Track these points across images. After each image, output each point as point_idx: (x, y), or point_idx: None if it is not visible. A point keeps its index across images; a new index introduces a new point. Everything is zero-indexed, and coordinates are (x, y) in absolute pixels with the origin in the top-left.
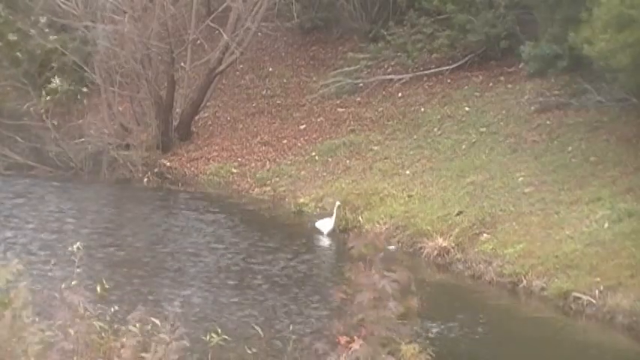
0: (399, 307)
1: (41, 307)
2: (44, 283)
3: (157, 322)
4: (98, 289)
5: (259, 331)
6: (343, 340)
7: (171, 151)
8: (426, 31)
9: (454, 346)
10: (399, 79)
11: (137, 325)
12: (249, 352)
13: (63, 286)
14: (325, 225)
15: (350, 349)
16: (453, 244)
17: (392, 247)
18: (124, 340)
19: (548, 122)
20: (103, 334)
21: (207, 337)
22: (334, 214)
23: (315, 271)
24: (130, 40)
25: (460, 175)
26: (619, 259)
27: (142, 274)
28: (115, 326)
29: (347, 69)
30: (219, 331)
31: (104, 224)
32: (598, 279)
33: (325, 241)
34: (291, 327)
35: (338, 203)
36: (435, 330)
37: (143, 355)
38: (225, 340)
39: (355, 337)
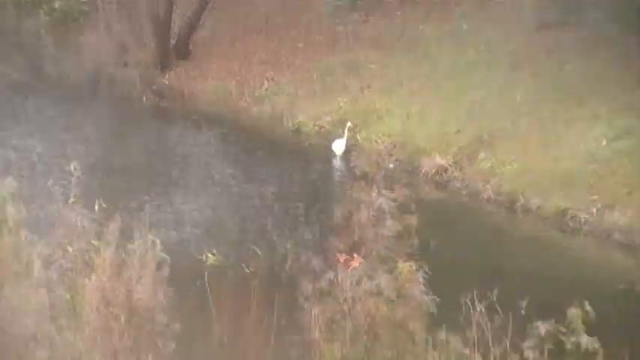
0: (397, 225)
1: (40, 225)
2: (43, 200)
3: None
4: (96, 206)
5: (257, 250)
6: (342, 258)
7: (169, 69)
8: None
9: (451, 264)
10: None
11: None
12: (247, 270)
13: (61, 204)
14: (339, 146)
15: (349, 266)
16: (451, 162)
17: (390, 166)
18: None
19: (547, 40)
20: (101, 252)
21: (204, 257)
22: (345, 135)
23: (314, 188)
24: None
25: (458, 93)
26: (616, 176)
27: (141, 189)
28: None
29: None
30: (215, 251)
31: (103, 140)
32: (595, 197)
33: (325, 160)
34: (288, 244)
35: (349, 124)
36: (432, 247)
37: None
38: (222, 259)
39: (354, 255)
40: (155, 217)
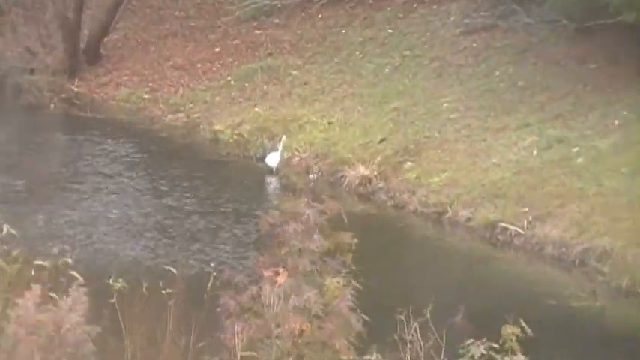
0: (322, 240)
1: None
2: None
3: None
4: (5, 228)
5: (172, 269)
6: (269, 272)
7: (79, 75)
8: None
9: (379, 279)
10: (319, 1)
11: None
12: (163, 292)
13: None
14: (272, 160)
15: (275, 281)
16: (375, 173)
17: (312, 176)
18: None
19: (474, 45)
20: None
21: (111, 281)
22: (279, 149)
23: (236, 202)
24: None
25: (383, 101)
26: (548, 187)
27: (49, 205)
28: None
29: None
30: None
31: (8, 152)
32: (526, 209)
33: (247, 171)
34: (212, 263)
35: (284, 138)
36: (361, 262)
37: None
38: (134, 281)
39: (280, 270)
40: (66, 233)
